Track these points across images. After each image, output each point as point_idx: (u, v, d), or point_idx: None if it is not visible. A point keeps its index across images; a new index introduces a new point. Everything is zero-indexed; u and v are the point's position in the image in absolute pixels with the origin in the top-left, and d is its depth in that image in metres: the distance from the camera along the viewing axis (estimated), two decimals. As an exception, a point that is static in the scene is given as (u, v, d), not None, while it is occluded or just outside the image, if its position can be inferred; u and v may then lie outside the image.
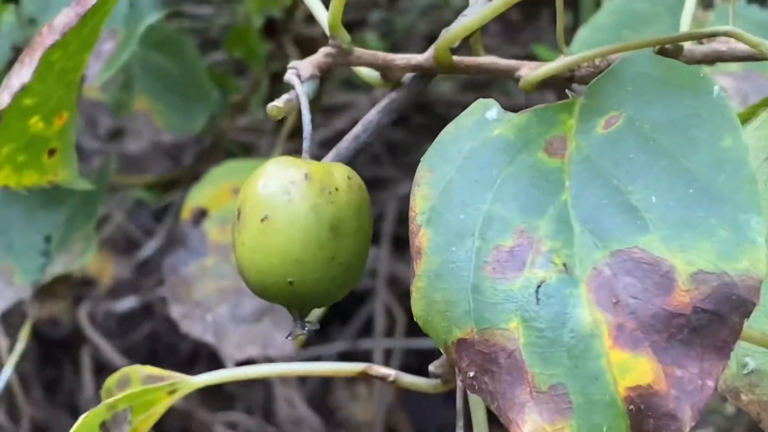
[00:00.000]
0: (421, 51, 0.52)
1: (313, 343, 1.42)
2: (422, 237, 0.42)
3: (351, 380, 1.46)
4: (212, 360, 1.14)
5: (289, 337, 0.49)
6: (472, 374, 0.40)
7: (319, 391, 1.47)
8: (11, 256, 1.02)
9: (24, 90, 0.53)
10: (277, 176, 0.46)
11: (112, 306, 1.44)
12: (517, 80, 0.51)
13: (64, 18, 0.52)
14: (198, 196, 1.03)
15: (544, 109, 0.45)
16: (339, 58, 0.50)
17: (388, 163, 1.52)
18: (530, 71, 0.50)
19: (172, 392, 0.50)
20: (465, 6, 0.53)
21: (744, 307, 0.37)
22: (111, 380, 0.54)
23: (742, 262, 0.37)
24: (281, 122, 1.21)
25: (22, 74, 0.53)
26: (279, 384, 1.42)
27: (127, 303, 1.44)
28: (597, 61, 0.49)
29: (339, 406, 1.46)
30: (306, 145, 0.49)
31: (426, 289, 0.41)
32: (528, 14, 1.55)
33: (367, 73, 0.53)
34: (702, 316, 0.37)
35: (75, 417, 0.49)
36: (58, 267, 1.01)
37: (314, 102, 1.08)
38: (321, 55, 0.50)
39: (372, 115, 0.53)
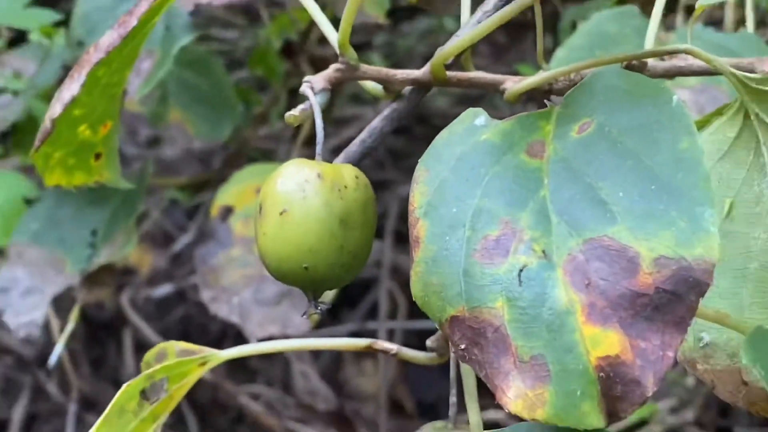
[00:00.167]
0: (420, 68, 0.52)
1: (326, 324, 1.42)
2: (420, 228, 0.42)
3: (359, 357, 1.46)
4: (238, 338, 1.14)
5: (304, 316, 0.49)
6: (463, 347, 0.40)
7: (331, 367, 1.47)
8: (63, 248, 1.02)
9: (73, 102, 0.53)
10: (294, 176, 0.46)
11: (150, 292, 1.44)
12: (503, 92, 0.51)
13: (108, 39, 0.52)
14: (225, 195, 1.03)
15: (526, 116, 0.45)
16: (347, 73, 0.50)
17: (391, 167, 1.52)
18: (513, 84, 0.50)
19: (202, 364, 0.50)
20: (458, 30, 0.53)
21: (699, 288, 0.37)
22: (150, 354, 0.54)
23: (698, 248, 0.37)
24: (297, 132, 1.21)
25: (71, 88, 0.53)
26: (296, 360, 1.42)
27: (164, 289, 1.44)
28: (572, 76, 0.49)
29: (348, 379, 1.46)
30: (318, 148, 0.49)
31: (423, 273, 0.41)
32: (513, 37, 1.54)
33: (371, 86, 0.52)
34: (663, 296, 0.37)
35: (118, 389, 0.49)
36: (102, 257, 1.01)
37: (326, 114, 1.08)
38: (332, 70, 0.50)
39: (376, 123, 0.53)
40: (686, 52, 0.48)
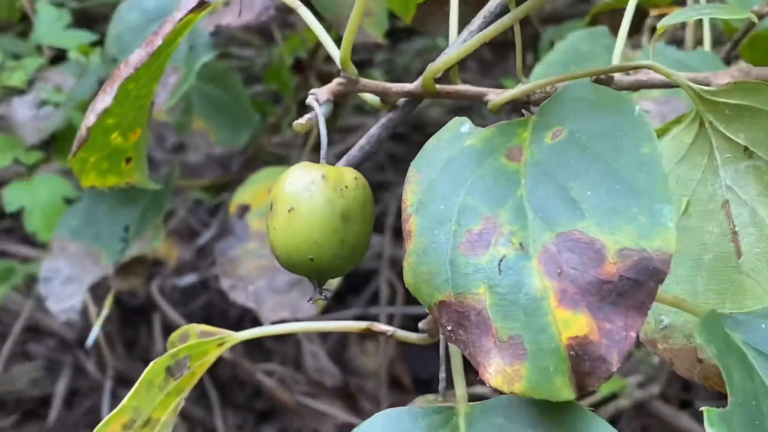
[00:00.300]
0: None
1: (333, 310, 1.43)
2: (411, 223, 0.42)
3: (362, 338, 1.46)
4: (254, 322, 1.14)
5: (310, 301, 0.49)
6: (450, 328, 0.40)
7: (338, 347, 1.47)
8: (98, 242, 1.02)
9: (106, 112, 0.53)
10: (301, 177, 0.47)
11: (177, 281, 1.44)
12: (486, 103, 0.51)
13: (137, 56, 0.52)
14: (242, 195, 1.03)
15: (505, 124, 0.45)
16: (348, 86, 0.50)
17: (390, 170, 1.52)
18: (496, 96, 0.50)
19: (220, 344, 0.50)
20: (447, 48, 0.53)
21: (658, 276, 0.37)
22: (174, 335, 0.54)
23: (657, 241, 0.37)
24: (306, 139, 1.21)
25: (105, 100, 0.53)
26: (306, 341, 1.42)
27: (189, 279, 1.44)
28: (547, 88, 0.49)
29: (353, 359, 1.46)
30: (323, 153, 0.49)
31: (414, 263, 0.41)
32: (498, 55, 1.55)
33: (370, 98, 0.52)
34: (626, 283, 0.37)
35: (148, 367, 0.49)
36: (134, 250, 1.01)
37: (332, 123, 1.08)
38: (334, 83, 0.50)
39: (374, 131, 0.53)
40: (648, 67, 0.48)
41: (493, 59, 1.55)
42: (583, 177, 0.40)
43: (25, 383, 1.40)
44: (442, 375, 0.52)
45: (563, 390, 0.37)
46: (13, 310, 1.36)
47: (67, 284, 1.00)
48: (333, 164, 0.50)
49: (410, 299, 1.39)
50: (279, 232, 0.46)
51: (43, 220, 1.04)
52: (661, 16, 0.57)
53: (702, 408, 0.37)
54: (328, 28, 0.54)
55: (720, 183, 0.47)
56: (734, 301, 0.47)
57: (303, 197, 0.46)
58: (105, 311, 1.05)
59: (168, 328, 1.37)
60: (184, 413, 1.34)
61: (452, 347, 0.48)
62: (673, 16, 0.55)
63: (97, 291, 1.16)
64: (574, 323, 0.37)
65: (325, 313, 1.32)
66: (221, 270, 0.99)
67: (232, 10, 0.87)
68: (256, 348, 1.42)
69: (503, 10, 0.52)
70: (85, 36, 1.13)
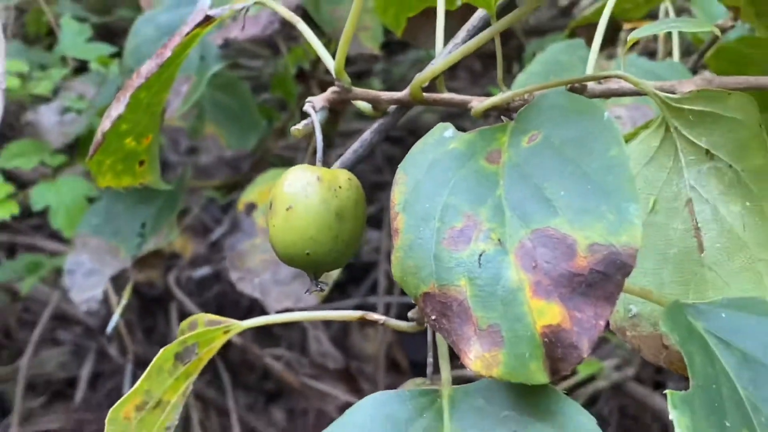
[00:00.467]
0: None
1: (335, 299, 1.42)
2: (399, 221, 0.42)
3: (362, 325, 1.46)
4: (262, 311, 1.14)
5: (308, 292, 0.48)
6: (434, 317, 0.40)
7: (340, 334, 1.47)
8: (118, 237, 1.02)
9: (120, 119, 0.53)
10: (298, 179, 0.46)
11: (191, 273, 1.44)
12: (470, 110, 0.50)
13: (147, 67, 0.52)
14: (249, 194, 1.03)
15: (486, 129, 0.45)
16: (342, 95, 0.50)
17: (387, 171, 1.52)
18: (478, 103, 0.49)
19: (226, 332, 0.50)
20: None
21: (625, 269, 0.37)
22: (184, 324, 0.54)
23: (624, 237, 0.37)
24: (309, 143, 1.21)
25: (118, 107, 0.53)
26: (310, 328, 1.42)
27: (203, 271, 1.44)
28: (526, 96, 0.49)
29: (354, 344, 1.46)
30: (319, 155, 0.49)
31: (402, 258, 0.41)
32: (486, 66, 1.54)
33: (363, 105, 0.52)
34: (596, 275, 0.37)
35: (166, 352, 0.49)
36: (150, 245, 1.01)
37: (332, 128, 1.08)
38: (329, 92, 0.50)
39: (367, 135, 0.52)
40: (618, 76, 0.48)
41: (482, 69, 1.54)
42: (557, 178, 0.40)
43: (53, 367, 1.40)
44: (430, 360, 0.52)
45: (538, 374, 0.37)
46: (41, 300, 1.36)
47: (88, 276, 1.00)
48: (330, 166, 0.50)
49: (406, 289, 1.39)
50: (278, 229, 0.46)
51: (66, 218, 1.04)
52: (633, 30, 0.57)
53: (666, 391, 0.37)
54: (329, 41, 0.53)
55: (684, 183, 0.47)
56: (697, 292, 0.46)
57: (300, 197, 0.46)
58: (124, 300, 1.05)
59: (184, 316, 1.36)
60: (198, 394, 1.34)
61: (438, 334, 0.48)
62: (643, 30, 0.55)
63: (118, 282, 1.16)
64: (547, 312, 0.37)
65: (328, 302, 1.32)
66: (230, 263, 0.99)
67: (239, 24, 0.86)
68: (264, 334, 1.42)
69: (485, 24, 0.52)
70: (105, 48, 1.12)
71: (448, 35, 0.54)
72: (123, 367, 1.35)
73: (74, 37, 1.11)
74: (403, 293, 1.41)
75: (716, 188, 0.46)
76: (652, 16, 0.93)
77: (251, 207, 1.01)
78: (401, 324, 0.51)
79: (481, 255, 0.39)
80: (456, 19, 0.57)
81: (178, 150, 1.38)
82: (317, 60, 1.18)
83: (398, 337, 1.42)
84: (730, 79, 0.49)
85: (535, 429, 0.39)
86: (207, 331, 0.51)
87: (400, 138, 1.54)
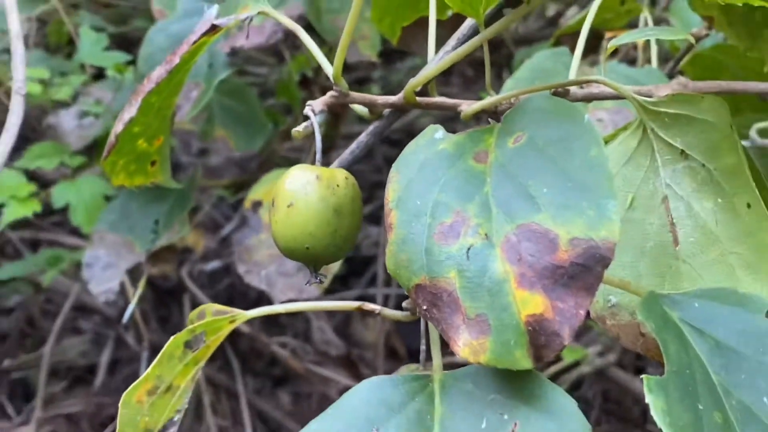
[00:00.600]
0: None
1: (337, 291, 1.42)
2: (392, 217, 0.41)
3: (363, 315, 1.46)
4: (269, 302, 1.14)
5: (308, 284, 0.48)
6: (425, 307, 0.40)
7: (342, 323, 1.46)
8: (133, 234, 1.02)
9: (132, 121, 0.53)
10: (298, 177, 0.46)
11: (203, 266, 1.43)
12: (459, 113, 0.50)
13: (157, 73, 0.52)
14: (256, 192, 1.03)
15: (474, 131, 0.44)
16: (340, 99, 0.50)
17: (386, 172, 1.51)
18: (468, 107, 0.49)
19: (232, 321, 0.50)
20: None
21: (604, 261, 0.37)
22: (193, 314, 0.54)
23: (603, 231, 0.37)
24: (312, 145, 1.20)
25: (130, 111, 0.52)
26: (314, 318, 1.42)
27: (214, 265, 1.44)
28: (512, 100, 0.48)
29: (355, 333, 1.46)
30: (318, 155, 0.48)
31: (395, 252, 0.41)
32: (478, 73, 1.54)
33: (359, 109, 0.52)
34: (576, 268, 0.37)
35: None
36: (163, 240, 1.01)
37: (334, 131, 1.07)
38: (328, 96, 0.50)
39: (363, 137, 0.52)
40: (598, 81, 0.48)
41: (474, 76, 1.54)
42: (540, 176, 0.40)
43: (74, 354, 1.40)
44: (423, 347, 0.52)
45: (522, 360, 0.37)
46: (63, 292, 1.36)
47: (106, 269, 1.00)
48: (328, 166, 0.50)
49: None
50: (279, 225, 0.46)
51: (85, 215, 1.04)
52: (614, 38, 0.57)
53: (642, 376, 0.37)
54: (330, 49, 0.53)
55: (660, 181, 0.47)
56: (672, 284, 0.46)
57: (300, 194, 0.46)
58: (139, 291, 1.05)
59: (196, 307, 1.35)
60: (210, 379, 1.34)
61: (430, 323, 0.48)
62: (623, 37, 0.54)
63: (134, 275, 1.16)
64: (531, 302, 0.37)
65: (330, 293, 1.32)
66: (238, 257, 0.98)
67: (245, 34, 0.86)
68: (271, 324, 1.41)
69: (474, 32, 0.52)
70: (121, 56, 1.12)
71: (440, 43, 0.54)
72: (139, 354, 1.35)
73: (92, 46, 1.11)
74: (400, 285, 1.41)
75: (690, 186, 0.46)
76: (632, 25, 0.93)
77: (257, 204, 1.01)
78: (396, 313, 0.51)
79: (469, 249, 0.39)
80: (447, 28, 0.56)
81: (190, 151, 1.38)
82: (319, 67, 1.18)
83: (396, 326, 1.41)
84: (703, 84, 0.49)
85: (520, 411, 0.38)
86: (214, 321, 0.50)
87: (399, 140, 1.54)
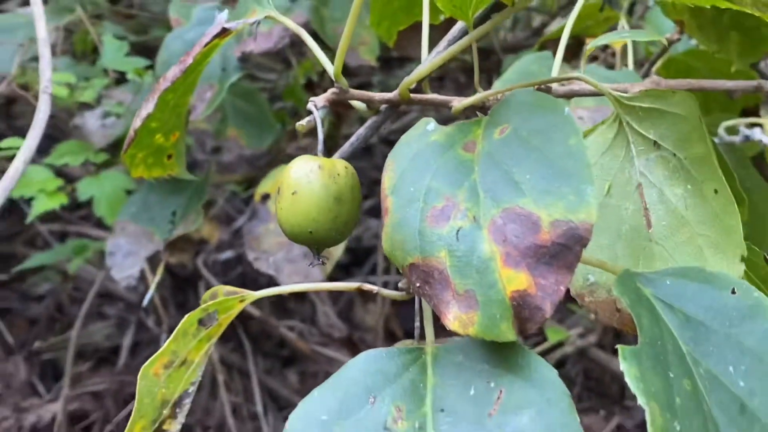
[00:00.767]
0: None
1: (340, 279, 1.42)
2: (388, 202, 0.42)
3: (364, 301, 1.46)
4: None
5: (311, 265, 0.48)
6: (418, 285, 0.40)
7: (345, 308, 1.46)
8: (152, 224, 1.02)
9: (149, 117, 0.53)
10: (302, 167, 0.46)
11: (217, 256, 1.43)
12: (451, 109, 0.50)
13: (172, 72, 0.51)
14: (264, 186, 1.03)
15: (463, 123, 0.44)
16: (340, 95, 0.50)
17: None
18: (458, 103, 0.49)
19: (242, 301, 0.50)
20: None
21: (582, 241, 0.37)
22: (206, 294, 0.53)
23: (581, 214, 0.37)
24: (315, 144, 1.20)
25: (148, 107, 0.52)
26: (319, 303, 1.42)
27: (227, 254, 1.43)
28: (499, 96, 0.49)
29: (357, 317, 1.46)
30: (320, 147, 0.48)
31: (390, 234, 0.41)
32: (470, 79, 1.53)
33: (358, 105, 0.52)
34: (557, 247, 0.37)
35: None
36: (179, 231, 1.01)
37: (337, 131, 1.06)
38: (329, 93, 0.50)
39: (361, 131, 0.52)
40: (578, 78, 0.48)
41: (466, 81, 1.53)
42: (524, 164, 0.40)
43: (99, 337, 1.40)
44: (418, 324, 0.52)
45: (508, 333, 0.37)
46: (88, 280, 1.36)
47: (127, 257, 1.00)
48: (329, 157, 0.49)
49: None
50: (285, 211, 0.46)
51: (108, 207, 1.04)
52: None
53: (618, 345, 0.37)
54: (333, 55, 0.53)
55: (635, 170, 0.47)
56: (646, 263, 0.46)
57: (303, 183, 0.45)
58: (157, 277, 1.05)
59: (211, 293, 1.36)
60: (223, 359, 1.34)
61: (424, 302, 0.48)
62: (601, 38, 0.54)
63: (153, 263, 1.16)
64: (516, 279, 0.37)
65: (334, 280, 1.32)
66: (248, 245, 0.98)
67: (254, 39, 0.86)
68: (280, 308, 1.41)
69: (464, 34, 0.51)
70: (140, 62, 1.12)
71: (433, 45, 0.54)
72: (159, 337, 1.35)
73: (114, 53, 1.11)
74: (398, 273, 1.41)
75: (662, 174, 0.46)
76: (611, 32, 0.93)
77: (266, 197, 1.01)
78: (393, 293, 0.51)
79: (458, 231, 0.39)
80: (440, 31, 0.56)
81: (205, 149, 1.38)
82: (323, 72, 1.18)
83: (394, 310, 1.41)
84: (675, 82, 0.49)
85: (506, 380, 0.39)
86: (225, 300, 0.50)
87: (397, 141, 1.53)
